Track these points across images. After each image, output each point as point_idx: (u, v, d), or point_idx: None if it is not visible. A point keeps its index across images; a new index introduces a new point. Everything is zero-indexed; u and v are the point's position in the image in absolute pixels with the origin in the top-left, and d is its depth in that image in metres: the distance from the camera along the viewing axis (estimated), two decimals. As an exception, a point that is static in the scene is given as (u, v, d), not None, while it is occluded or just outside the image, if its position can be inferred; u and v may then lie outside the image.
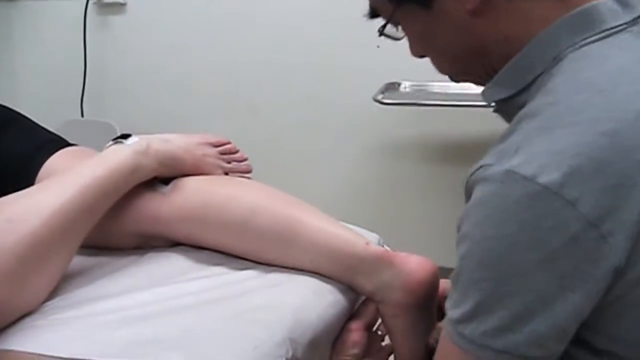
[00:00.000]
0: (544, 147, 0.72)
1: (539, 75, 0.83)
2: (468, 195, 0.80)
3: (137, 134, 1.28)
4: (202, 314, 1.09)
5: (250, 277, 1.21)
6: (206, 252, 1.27)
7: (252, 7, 2.54)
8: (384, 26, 1.00)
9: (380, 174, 2.51)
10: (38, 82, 2.86)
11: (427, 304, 1.16)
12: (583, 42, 0.79)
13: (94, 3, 2.71)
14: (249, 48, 2.57)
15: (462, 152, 2.34)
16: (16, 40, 2.86)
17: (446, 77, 2.22)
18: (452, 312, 0.81)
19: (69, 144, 1.40)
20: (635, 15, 0.81)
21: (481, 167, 0.77)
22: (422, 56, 0.99)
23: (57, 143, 1.39)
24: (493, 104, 0.93)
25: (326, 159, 2.56)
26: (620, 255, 0.71)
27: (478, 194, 0.76)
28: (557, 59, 0.80)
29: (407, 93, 2.27)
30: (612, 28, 0.79)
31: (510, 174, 0.72)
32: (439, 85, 2.25)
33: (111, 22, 2.75)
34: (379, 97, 2.14)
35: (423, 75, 2.28)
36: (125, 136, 1.27)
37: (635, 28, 0.80)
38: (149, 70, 2.73)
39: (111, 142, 1.27)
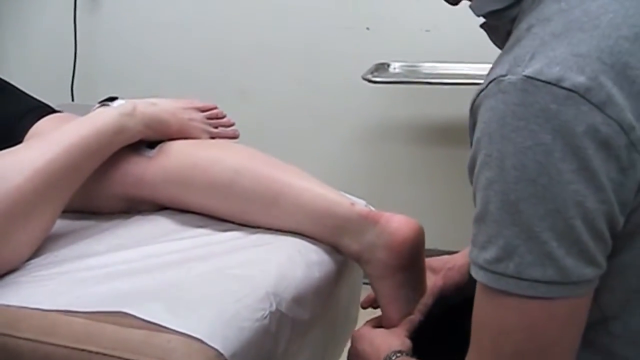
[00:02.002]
0: (564, 51, 0.69)
1: None
2: (474, 118, 0.76)
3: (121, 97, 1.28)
4: (186, 270, 1.09)
5: (235, 237, 1.21)
6: (191, 214, 1.28)
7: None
8: None
9: (370, 155, 2.51)
10: (28, 66, 2.84)
11: (413, 265, 1.16)
12: None
13: (85, -14, 2.70)
14: (238, 31, 2.56)
15: (451, 133, 2.34)
16: (5, 23, 2.84)
17: (436, 57, 2.24)
18: (483, 253, 0.74)
19: (56, 111, 1.40)
20: None
21: (492, 80, 0.72)
22: None
23: (44, 109, 1.39)
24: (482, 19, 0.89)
25: (316, 140, 2.56)
26: None
27: (495, 109, 0.71)
28: None
29: (396, 73, 2.26)
30: None
31: (532, 80, 0.68)
32: (428, 66, 2.24)
33: (101, 5, 2.73)
34: (369, 76, 2.13)
35: (412, 57, 2.31)
36: (112, 99, 1.28)
37: None
38: (139, 53, 2.72)
39: (98, 105, 1.27)
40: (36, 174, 1.09)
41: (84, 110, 2.67)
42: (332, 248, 1.21)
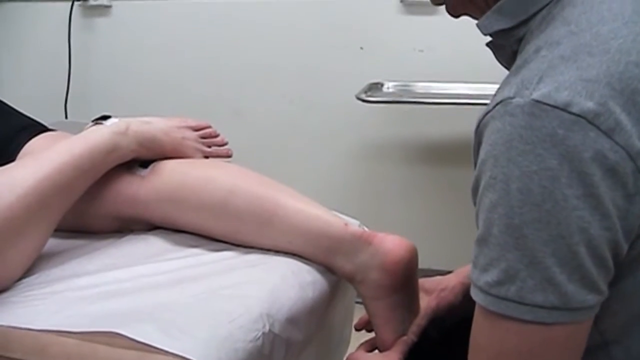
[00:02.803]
0: (572, 75, 0.68)
1: (543, 8, 0.79)
2: (479, 139, 0.75)
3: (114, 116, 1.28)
4: (178, 290, 1.08)
5: (228, 257, 1.21)
6: (185, 234, 1.27)
7: (235, 11, 2.54)
8: None
9: (364, 174, 2.51)
10: (23, 83, 2.84)
11: (407, 285, 1.16)
12: None
13: (79, 5, 2.69)
14: (232, 50, 2.57)
15: (445, 152, 2.35)
16: (1, 41, 2.85)
17: (429, 77, 2.25)
18: (484, 276, 0.73)
19: (48, 129, 1.40)
20: None
21: (500, 102, 0.72)
22: None
23: (38, 127, 1.39)
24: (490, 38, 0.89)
25: (310, 159, 2.56)
26: None
27: (501, 132, 0.70)
28: None
29: (390, 93, 2.27)
30: None
31: (539, 104, 0.68)
32: (421, 86, 2.25)
33: (96, 24, 2.74)
34: (362, 95, 2.14)
35: (406, 76, 2.32)
36: (106, 117, 1.27)
37: None
38: (133, 72, 2.72)
39: (91, 123, 1.27)
40: (28, 193, 1.09)
41: (78, 128, 2.67)
42: (326, 268, 1.21)
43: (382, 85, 2.29)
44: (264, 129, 2.58)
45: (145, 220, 1.28)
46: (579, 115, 0.66)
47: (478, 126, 0.76)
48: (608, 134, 0.66)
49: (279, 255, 1.21)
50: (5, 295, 1.07)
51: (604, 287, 0.72)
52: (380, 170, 2.49)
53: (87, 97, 2.77)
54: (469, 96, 2.08)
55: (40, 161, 1.14)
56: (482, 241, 0.74)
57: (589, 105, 0.66)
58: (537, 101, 0.68)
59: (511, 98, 0.70)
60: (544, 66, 0.71)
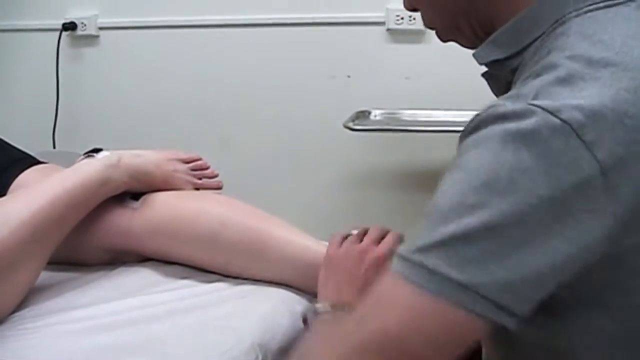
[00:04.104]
0: (566, 95, 0.69)
1: (537, 38, 0.81)
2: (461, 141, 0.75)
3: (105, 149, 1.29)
4: (170, 322, 1.10)
5: (220, 288, 1.22)
6: (176, 265, 1.28)
7: (222, 39, 2.56)
8: None
9: (351, 202, 2.51)
10: (10, 113, 2.84)
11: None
12: (588, 9, 0.79)
13: (67, 35, 2.71)
14: (219, 79, 2.57)
15: (432, 180, 2.34)
16: (-12, 71, 2.87)
17: (416, 105, 2.27)
18: (415, 242, 0.71)
19: (39, 162, 1.41)
20: None
21: (491, 107, 0.72)
22: (414, 9, 0.93)
23: (29, 160, 1.40)
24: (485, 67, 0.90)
25: (297, 187, 2.57)
26: (621, 213, 0.69)
27: (489, 126, 0.70)
28: (559, 22, 0.79)
29: (377, 121, 2.27)
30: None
31: (532, 107, 0.69)
32: (408, 113, 2.25)
33: (84, 53, 2.75)
34: (350, 124, 2.15)
35: (393, 104, 2.34)
36: (97, 150, 1.29)
37: (633, 4, 0.80)
38: (121, 102, 2.73)
39: (82, 156, 1.28)
40: (21, 227, 1.10)
41: (66, 157, 2.68)
42: (316, 298, 1.22)
43: (369, 113, 2.30)
44: (251, 158, 2.59)
45: (137, 252, 1.29)
46: (565, 122, 0.67)
47: (465, 129, 0.75)
48: (589, 146, 0.67)
49: (269, 286, 1.23)
50: (-2, 329, 1.08)
51: (526, 294, 0.70)
52: (367, 197, 2.50)
53: (76, 127, 2.77)
54: (455, 123, 2.09)
55: (33, 195, 1.15)
56: (430, 209, 0.72)
57: (577, 115, 0.67)
58: (530, 104, 0.69)
59: (503, 104, 0.71)
60: (538, 85, 0.72)
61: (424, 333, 0.69)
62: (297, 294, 1.22)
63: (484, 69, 0.90)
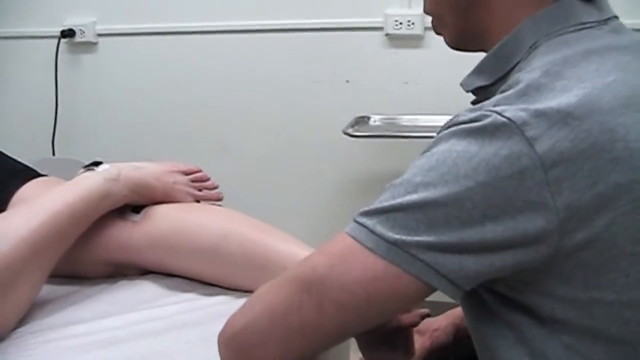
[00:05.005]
0: (519, 102, 0.76)
1: (516, 64, 0.86)
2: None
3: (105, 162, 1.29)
4: (173, 337, 1.09)
5: (222, 302, 1.21)
6: (177, 279, 1.28)
7: (221, 46, 2.57)
8: None
9: (353, 207, 2.48)
10: (9, 120, 2.85)
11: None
12: (559, 32, 0.85)
13: (66, 42, 2.72)
14: (218, 85, 2.59)
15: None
16: (-13, 79, 2.87)
17: (415, 109, 2.27)
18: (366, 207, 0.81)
19: (39, 175, 1.40)
20: (605, 17, 0.87)
21: (456, 115, 0.80)
22: None
23: (29, 173, 1.39)
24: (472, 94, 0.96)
25: (296, 193, 2.59)
26: (560, 209, 0.74)
27: (450, 130, 0.79)
28: (533, 47, 0.85)
29: (377, 126, 2.30)
30: (587, 23, 0.85)
31: (486, 112, 0.77)
32: (407, 118, 2.28)
33: (82, 60, 2.76)
34: (349, 130, 2.16)
35: (392, 109, 2.34)
36: (97, 163, 1.28)
37: (605, 27, 0.86)
38: (119, 109, 2.74)
39: (82, 169, 1.28)
40: (22, 242, 1.10)
41: (65, 164, 2.68)
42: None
43: (368, 118, 2.31)
44: (250, 163, 2.60)
45: (138, 265, 1.29)
46: (509, 119, 0.74)
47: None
48: (530, 141, 0.74)
49: (271, 298, 1.22)
50: (1, 345, 1.07)
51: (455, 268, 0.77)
52: (367, 203, 2.50)
53: (75, 134, 2.78)
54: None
55: (34, 209, 1.15)
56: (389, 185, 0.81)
57: (522, 114, 0.74)
58: (484, 109, 0.77)
59: (465, 114, 0.79)
60: (499, 97, 0.79)
61: (346, 277, 0.79)
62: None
63: None
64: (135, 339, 1.09)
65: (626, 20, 0.92)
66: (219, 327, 1.12)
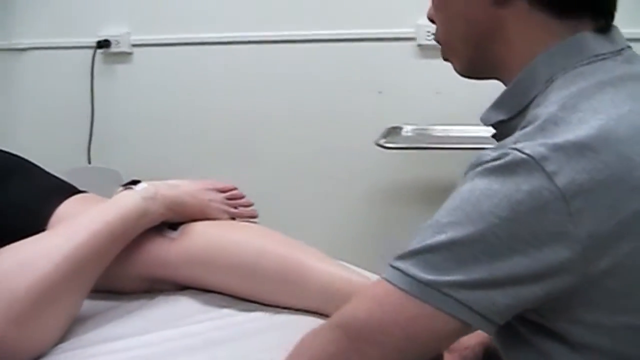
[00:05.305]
0: (538, 137, 0.79)
1: (534, 98, 0.89)
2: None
3: (143, 180, 1.31)
4: (210, 354, 1.11)
5: (257, 318, 1.24)
6: (214, 294, 1.30)
7: (254, 56, 2.60)
8: None
9: (383, 218, 2.55)
10: (46, 129, 2.90)
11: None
12: (574, 65, 0.87)
13: (101, 52, 2.76)
14: (251, 95, 2.62)
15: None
16: (26, 88, 2.91)
17: (447, 120, 2.27)
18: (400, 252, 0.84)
19: (78, 191, 1.43)
20: (619, 47, 0.90)
21: (479, 155, 0.83)
22: (432, 21, 1.02)
23: (66, 190, 1.42)
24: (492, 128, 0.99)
25: (327, 203, 2.60)
26: (583, 239, 0.76)
27: (474, 170, 0.82)
28: (549, 81, 0.87)
29: (409, 137, 2.31)
30: (599, 55, 0.87)
31: (508, 149, 0.79)
32: (440, 129, 2.29)
33: (117, 70, 2.80)
34: (381, 141, 2.17)
35: (424, 119, 2.34)
36: (135, 182, 1.31)
37: (619, 58, 0.89)
38: (153, 118, 2.78)
39: (121, 188, 1.31)
40: (64, 261, 1.13)
41: (100, 172, 2.72)
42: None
43: (400, 129, 2.32)
44: (282, 173, 2.62)
45: (175, 281, 1.31)
46: (529, 155, 0.77)
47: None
48: (550, 175, 0.76)
49: (306, 315, 1.24)
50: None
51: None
52: (399, 213, 2.52)
53: (110, 142, 2.83)
54: (486, 139, 2.09)
55: (74, 228, 1.18)
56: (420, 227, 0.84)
57: (541, 149, 0.77)
58: (508, 148, 0.79)
59: (488, 154, 0.82)
60: (520, 134, 0.82)
61: (385, 320, 0.83)
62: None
63: None
64: (172, 355, 1.12)
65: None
66: (253, 344, 1.15)
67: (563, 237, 0.76)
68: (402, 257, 0.82)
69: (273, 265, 1.24)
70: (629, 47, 0.91)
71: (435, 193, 2.43)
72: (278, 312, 1.25)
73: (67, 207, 1.35)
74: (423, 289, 0.79)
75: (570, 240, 0.76)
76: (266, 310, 1.26)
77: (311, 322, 1.21)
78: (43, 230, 1.31)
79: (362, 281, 1.23)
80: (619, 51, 0.89)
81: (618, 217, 0.76)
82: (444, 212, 0.81)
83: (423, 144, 2.23)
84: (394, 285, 0.81)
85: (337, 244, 2.39)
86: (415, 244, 0.82)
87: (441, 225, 0.80)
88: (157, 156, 2.78)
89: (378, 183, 2.53)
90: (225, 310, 1.26)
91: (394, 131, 2.30)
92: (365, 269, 1.41)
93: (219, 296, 1.30)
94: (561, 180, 0.75)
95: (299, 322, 1.21)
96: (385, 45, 2.45)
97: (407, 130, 2.32)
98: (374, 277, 1.33)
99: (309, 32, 2.52)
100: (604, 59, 0.87)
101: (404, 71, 2.45)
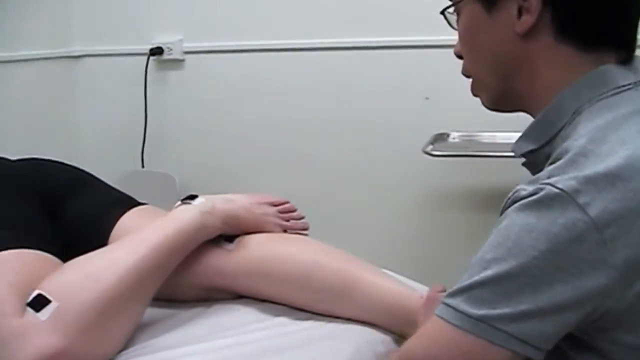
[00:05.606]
0: (569, 171, 0.83)
1: (562, 128, 0.93)
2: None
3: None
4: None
5: (310, 327, 1.29)
6: (269, 304, 1.37)
7: (304, 63, 2.64)
8: (446, 7, 1.09)
9: (430, 225, 2.56)
10: (102, 134, 2.98)
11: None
12: (599, 98, 0.91)
13: (154, 59, 2.82)
14: (302, 101, 2.66)
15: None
16: (81, 94, 2.99)
17: (494, 127, 2.28)
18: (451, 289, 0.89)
19: (137, 203, 1.50)
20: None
21: (516, 191, 0.88)
22: (459, 56, 1.09)
23: (127, 202, 1.49)
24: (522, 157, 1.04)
25: (375, 210, 2.63)
26: (621, 262, 0.80)
27: (512, 208, 0.86)
28: (576, 113, 0.92)
29: (455, 144, 2.33)
30: (622, 86, 0.92)
31: (542, 185, 0.84)
32: (487, 136, 2.29)
33: (170, 77, 2.86)
34: (428, 148, 2.19)
35: (471, 125, 2.36)
36: (192, 197, 1.37)
37: None
38: (204, 123, 2.83)
39: (179, 202, 1.37)
40: (128, 273, 1.19)
41: (153, 176, 2.79)
42: (400, 337, 1.28)
43: (447, 135, 2.33)
44: (332, 179, 2.64)
45: (232, 290, 1.38)
46: (562, 190, 0.82)
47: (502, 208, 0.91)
48: (582, 207, 0.80)
49: (356, 324, 1.30)
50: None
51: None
52: (446, 220, 2.54)
53: (162, 147, 2.89)
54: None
55: (136, 242, 1.25)
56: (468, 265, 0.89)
57: (572, 183, 0.81)
58: (541, 183, 0.84)
59: (525, 189, 0.86)
60: (552, 168, 0.86)
61: (441, 356, 0.89)
62: (382, 333, 1.29)
63: None
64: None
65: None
66: (304, 354, 1.20)
67: (600, 265, 0.80)
68: (452, 294, 0.88)
69: (326, 276, 1.30)
70: None
71: (482, 200, 2.47)
72: (329, 321, 1.30)
73: (128, 219, 1.42)
74: (474, 324, 0.84)
75: (606, 267, 0.80)
76: (318, 319, 1.31)
77: (360, 332, 1.28)
78: (106, 239, 1.39)
79: (411, 293, 1.28)
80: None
81: None
82: (488, 248, 0.86)
83: (470, 151, 2.23)
84: (447, 321, 0.86)
85: (383, 250, 2.43)
86: (464, 280, 0.87)
87: (486, 261, 0.85)
88: (207, 160, 2.85)
89: (425, 190, 2.55)
90: (279, 319, 1.32)
91: (441, 137, 2.31)
92: (411, 274, 1.47)
93: (274, 305, 1.36)
94: (593, 210, 0.80)
95: (347, 333, 1.27)
96: (432, 52, 2.47)
97: (454, 136, 2.33)
98: (421, 287, 1.38)
99: (356, 39, 2.54)
100: (628, 89, 0.91)
101: (450, 77, 2.45)
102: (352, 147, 2.61)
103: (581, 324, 0.84)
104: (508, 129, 2.26)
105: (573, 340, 0.88)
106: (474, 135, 2.32)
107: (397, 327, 1.28)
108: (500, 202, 0.91)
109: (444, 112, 2.45)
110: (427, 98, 2.48)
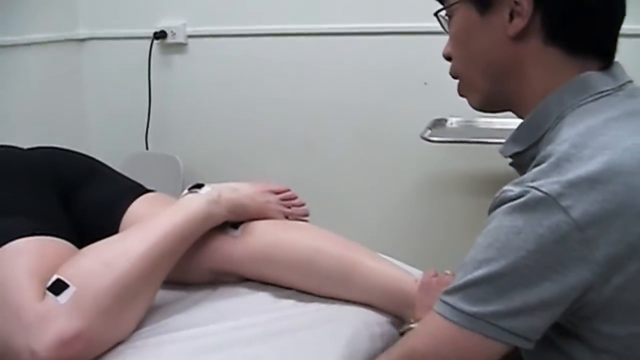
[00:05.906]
0: (553, 175, 0.89)
1: (546, 132, 0.99)
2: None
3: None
4: (268, 346, 1.24)
5: (312, 310, 1.37)
6: (273, 287, 1.44)
7: (306, 48, 2.67)
8: (440, 10, 1.14)
9: (428, 210, 2.61)
10: (106, 117, 3.03)
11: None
12: (581, 103, 0.97)
13: (158, 43, 2.85)
14: (302, 86, 2.70)
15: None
16: (85, 78, 3.02)
17: (492, 113, 2.32)
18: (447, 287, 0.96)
19: (146, 190, 1.57)
20: (620, 83, 1.00)
21: (503, 191, 0.93)
22: (448, 58, 1.14)
23: (136, 190, 1.55)
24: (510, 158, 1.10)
25: (373, 195, 2.68)
26: (600, 261, 0.86)
27: (499, 209, 0.92)
28: (559, 117, 0.98)
29: (453, 129, 2.36)
30: (603, 92, 0.98)
31: (527, 188, 0.90)
32: (484, 122, 2.33)
33: (173, 61, 2.90)
34: (426, 134, 2.23)
35: (469, 112, 2.39)
36: (199, 185, 1.44)
37: (620, 93, 0.99)
38: (208, 106, 2.88)
39: (186, 191, 1.43)
40: (140, 260, 1.25)
41: (157, 158, 2.84)
42: (396, 318, 1.36)
43: (445, 121, 2.37)
44: (332, 162, 2.69)
45: (238, 274, 1.45)
46: (546, 193, 0.87)
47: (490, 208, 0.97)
48: (565, 209, 0.86)
49: (355, 306, 1.38)
50: (121, 346, 1.24)
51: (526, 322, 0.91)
52: (444, 205, 2.58)
53: (166, 130, 2.92)
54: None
55: (147, 231, 1.31)
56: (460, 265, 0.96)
57: (556, 187, 0.87)
58: (526, 186, 0.90)
59: (512, 190, 0.92)
60: (536, 171, 0.92)
61: (441, 351, 0.96)
62: (378, 314, 1.36)
63: None
64: (235, 345, 1.24)
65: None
66: (307, 336, 1.27)
67: (583, 262, 0.87)
68: (449, 292, 0.95)
69: (328, 262, 1.38)
70: (630, 81, 1.01)
71: (479, 185, 2.51)
72: (330, 303, 1.38)
73: (137, 207, 1.49)
74: (471, 320, 0.92)
75: (589, 264, 0.87)
76: (320, 302, 1.39)
77: (358, 313, 1.35)
78: (117, 226, 1.45)
79: (407, 277, 1.35)
80: (621, 86, 0.99)
81: (628, 239, 0.86)
82: (479, 249, 0.92)
83: (468, 137, 2.26)
84: (445, 318, 0.94)
85: (381, 235, 2.47)
86: (458, 279, 0.94)
87: (478, 261, 0.92)
88: (209, 142, 2.89)
89: (423, 175, 2.58)
90: (283, 302, 1.39)
91: (439, 123, 2.35)
92: (408, 259, 1.54)
93: (278, 288, 1.43)
94: (576, 212, 0.86)
95: (347, 315, 1.35)
96: (431, 38, 2.47)
97: (452, 122, 2.36)
98: (416, 271, 1.46)
99: (356, 25, 2.56)
100: (607, 94, 0.97)
101: (449, 63, 2.50)
102: (351, 132, 2.65)
103: (566, 314, 0.91)
104: (506, 116, 2.31)
105: (559, 329, 0.95)
106: (472, 121, 2.36)
107: (393, 308, 1.36)
108: (497, 187, 0.96)
109: (443, 97, 2.45)
110: (425, 83, 2.50)
